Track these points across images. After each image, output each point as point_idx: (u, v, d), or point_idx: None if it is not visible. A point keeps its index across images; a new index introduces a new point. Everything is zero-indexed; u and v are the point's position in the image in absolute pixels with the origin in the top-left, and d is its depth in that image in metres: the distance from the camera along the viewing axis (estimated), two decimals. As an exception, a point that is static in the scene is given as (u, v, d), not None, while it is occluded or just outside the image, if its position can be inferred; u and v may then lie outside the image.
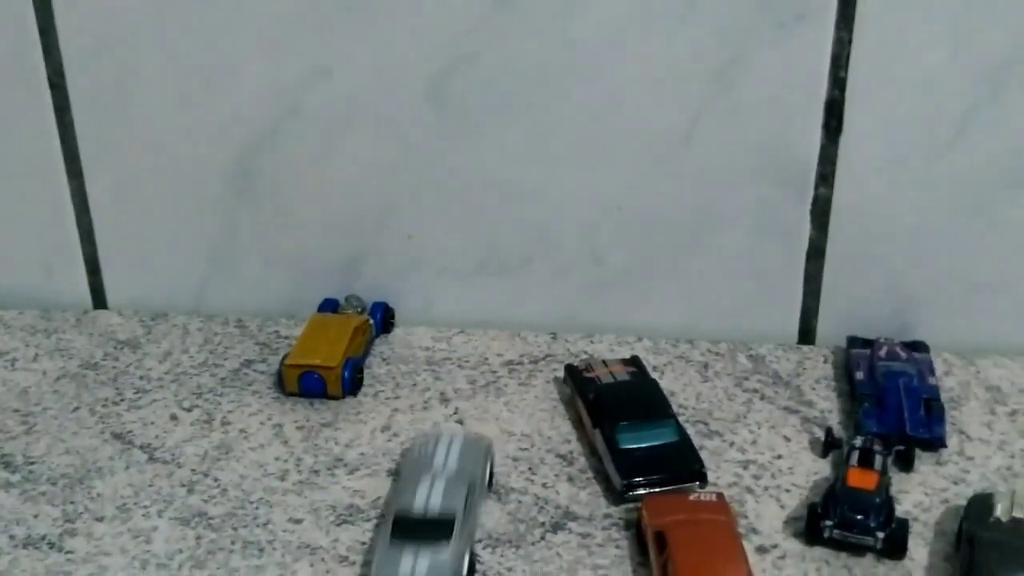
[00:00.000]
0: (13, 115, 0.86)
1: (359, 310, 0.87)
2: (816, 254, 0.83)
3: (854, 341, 0.82)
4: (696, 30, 0.78)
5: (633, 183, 0.83)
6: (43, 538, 0.68)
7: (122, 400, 0.81)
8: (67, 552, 0.67)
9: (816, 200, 0.81)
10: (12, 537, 0.68)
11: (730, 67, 0.78)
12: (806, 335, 0.86)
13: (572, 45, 0.80)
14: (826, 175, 0.80)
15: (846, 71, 0.77)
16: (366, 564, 0.65)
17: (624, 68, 0.80)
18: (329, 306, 0.88)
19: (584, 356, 0.85)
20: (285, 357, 0.81)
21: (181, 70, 0.84)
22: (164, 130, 0.86)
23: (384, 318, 0.88)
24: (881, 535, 0.64)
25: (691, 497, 0.66)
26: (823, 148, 0.80)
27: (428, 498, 0.65)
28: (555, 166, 0.84)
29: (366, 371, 0.83)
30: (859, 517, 0.64)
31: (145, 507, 0.70)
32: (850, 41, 0.76)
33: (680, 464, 0.70)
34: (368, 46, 0.81)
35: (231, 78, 0.83)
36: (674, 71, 0.79)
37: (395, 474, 0.73)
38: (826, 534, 0.65)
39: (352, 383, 0.80)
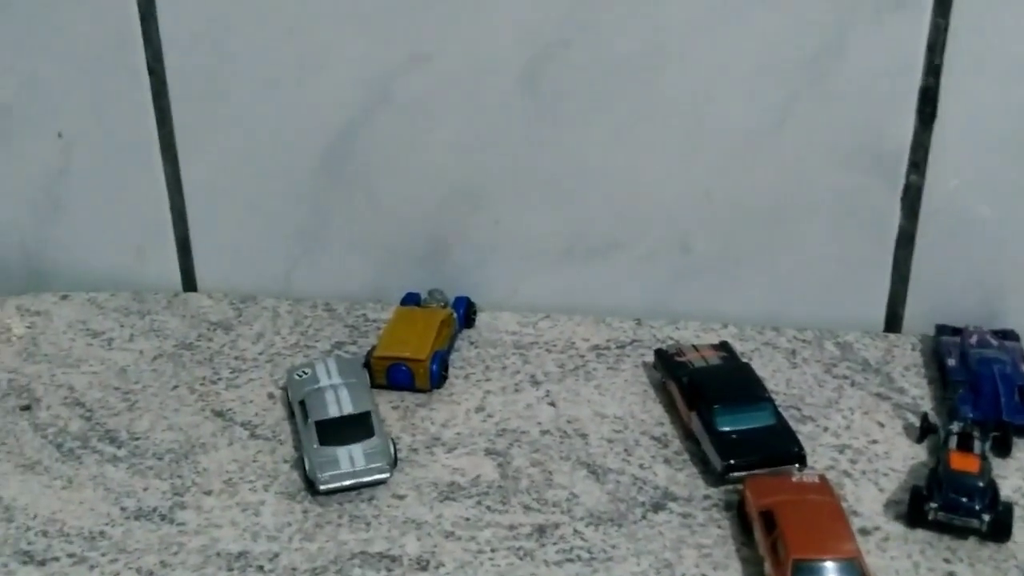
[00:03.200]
0: (112, 99, 0.88)
1: (442, 304, 0.87)
2: (905, 241, 0.83)
3: (943, 329, 0.83)
4: (792, 17, 0.78)
5: (722, 170, 0.84)
6: (154, 510, 0.70)
7: (219, 379, 0.82)
8: (179, 524, 0.69)
9: (907, 188, 0.82)
10: (124, 509, 0.70)
11: (825, 54, 0.79)
12: (892, 323, 0.86)
13: (665, 32, 0.80)
14: (918, 163, 0.81)
15: (942, 58, 0.77)
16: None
17: (717, 55, 0.80)
18: (411, 300, 0.88)
19: (671, 342, 0.86)
20: (373, 350, 0.81)
21: (277, 56, 0.85)
22: (258, 115, 0.87)
23: (467, 312, 0.88)
24: (987, 517, 0.64)
25: (793, 478, 0.67)
26: (916, 135, 0.80)
27: (339, 403, 0.73)
28: (644, 152, 0.84)
29: (455, 353, 0.85)
30: (964, 500, 0.65)
31: (251, 482, 0.72)
32: (947, 28, 0.76)
33: (779, 446, 0.71)
34: (463, 33, 0.82)
35: (326, 65, 0.85)
36: (768, 58, 0.80)
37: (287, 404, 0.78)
38: (930, 516, 0.65)
39: (439, 376, 0.81)
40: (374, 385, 0.80)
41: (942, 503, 0.65)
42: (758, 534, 0.64)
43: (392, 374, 0.80)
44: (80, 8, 0.85)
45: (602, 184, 0.86)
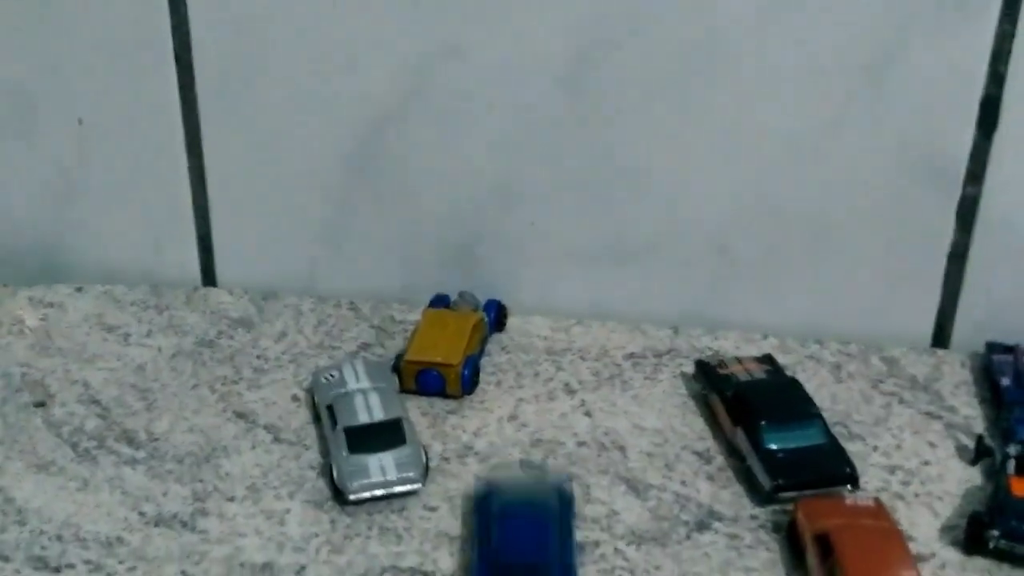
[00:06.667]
0: (137, 88, 0.84)
1: (473, 307, 0.83)
2: (958, 256, 0.80)
3: (994, 346, 0.80)
4: (849, 20, 0.75)
5: (769, 174, 0.81)
6: (174, 516, 0.66)
7: (241, 379, 0.79)
8: (200, 531, 0.65)
9: (963, 199, 0.79)
10: (142, 514, 0.67)
11: (882, 59, 0.75)
12: (939, 338, 0.83)
13: (716, 33, 0.77)
14: (976, 174, 0.78)
15: (1006, 67, 0.74)
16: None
17: (768, 57, 0.77)
18: (440, 302, 0.84)
19: (709, 352, 0.83)
20: (402, 354, 0.78)
21: (307, 50, 0.82)
22: (286, 109, 0.84)
23: (498, 316, 0.85)
24: (1053, 548, 0.62)
25: (847, 501, 0.64)
26: (975, 146, 0.77)
27: (369, 409, 0.70)
28: (688, 155, 0.81)
29: (486, 359, 0.81)
30: (1029, 528, 0.62)
31: (275, 488, 0.69)
32: (1013, 35, 0.73)
33: (830, 466, 0.68)
34: (502, 27, 0.79)
35: (358, 58, 0.81)
36: (822, 61, 0.77)
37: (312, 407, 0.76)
38: (991, 544, 0.62)
39: (471, 383, 0.78)
40: (403, 390, 0.77)
41: (1004, 531, 0.62)
42: (813, 559, 0.61)
43: (422, 379, 0.77)
44: (105, -10, 0.82)
45: (642, 186, 0.83)
